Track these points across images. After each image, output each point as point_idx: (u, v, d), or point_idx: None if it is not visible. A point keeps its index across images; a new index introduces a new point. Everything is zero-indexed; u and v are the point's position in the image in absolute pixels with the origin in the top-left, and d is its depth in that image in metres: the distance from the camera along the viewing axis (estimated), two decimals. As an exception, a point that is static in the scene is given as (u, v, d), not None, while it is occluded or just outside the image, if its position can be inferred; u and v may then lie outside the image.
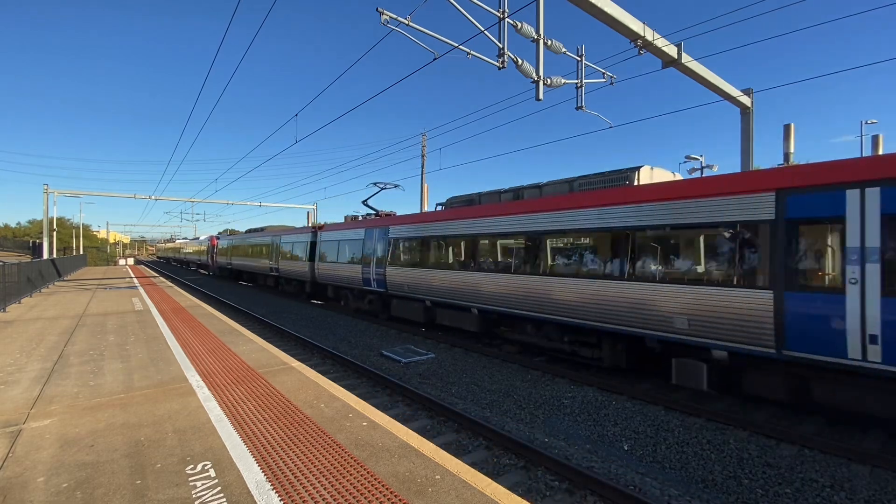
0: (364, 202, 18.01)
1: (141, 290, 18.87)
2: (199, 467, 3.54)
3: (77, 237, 54.26)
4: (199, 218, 54.42)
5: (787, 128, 12.86)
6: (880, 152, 16.30)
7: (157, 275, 32.87)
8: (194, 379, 5.94)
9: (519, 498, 3.18)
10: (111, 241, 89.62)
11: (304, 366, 6.66)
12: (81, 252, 50.95)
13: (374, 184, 17.77)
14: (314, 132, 14.65)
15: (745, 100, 13.28)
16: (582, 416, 7.01)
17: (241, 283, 32.85)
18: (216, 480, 3.34)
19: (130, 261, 58.70)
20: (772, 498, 4.78)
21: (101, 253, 71.21)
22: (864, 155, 15.67)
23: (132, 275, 30.08)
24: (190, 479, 3.37)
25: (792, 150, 12.99)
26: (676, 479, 5.23)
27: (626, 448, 5.99)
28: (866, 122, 23.68)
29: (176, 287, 20.79)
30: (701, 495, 4.85)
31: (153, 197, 35.57)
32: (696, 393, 7.67)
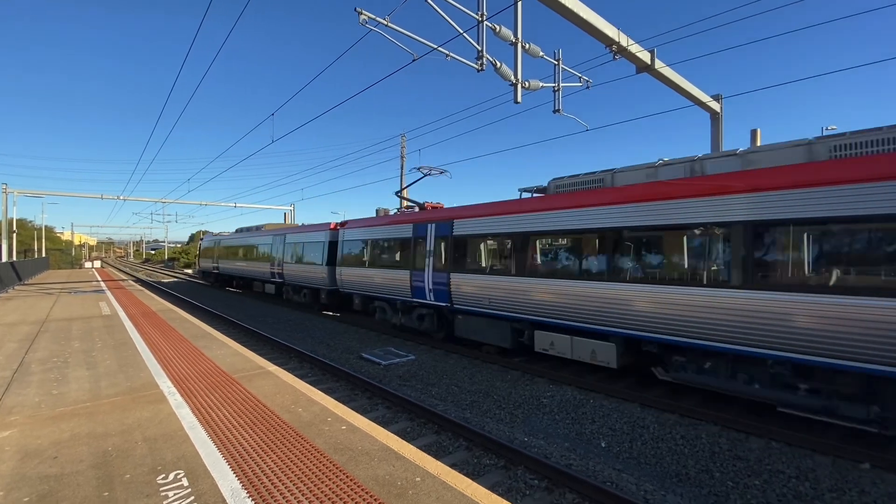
0: (399, 193, 15.07)
1: (108, 293, 18.16)
2: (171, 476, 3.43)
3: (39, 239, 51.89)
4: (171, 219, 52.84)
5: (753, 132, 13.37)
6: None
7: (126, 277, 31.73)
8: (166, 385, 5.76)
9: (499, 497, 3.20)
10: (76, 243, 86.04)
11: (281, 370, 6.54)
12: (44, 255, 48.73)
13: (419, 169, 14.06)
14: (291, 132, 14.45)
15: (715, 105, 13.75)
16: (561, 414, 7.11)
17: (227, 289, 31.84)
18: (189, 490, 3.24)
19: (97, 264, 56.47)
20: (742, 490, 4.94)
21: (65, 255, 68.21)
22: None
23: (99, 278, 28.93)
24: (161, 488, 3.26)
25: (758, 154, 13.50)
26: (652, 474, 5.35)
27: (603, 445, 6.11)
28: (826, 128, 24.80)
29: (146, 290, 20.12)
30: (675, 489, 4.98)
31: (121, 197, 34.34)
32: (670, 389, 7.87)
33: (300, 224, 23.71)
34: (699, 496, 4.87)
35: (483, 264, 10.52)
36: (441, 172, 14.15)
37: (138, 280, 34.23)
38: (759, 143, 13.03)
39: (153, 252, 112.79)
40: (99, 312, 12.48)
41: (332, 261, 16.27)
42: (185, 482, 3.35)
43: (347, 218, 21.43)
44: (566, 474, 4.92)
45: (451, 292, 10.75)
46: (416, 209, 13.66)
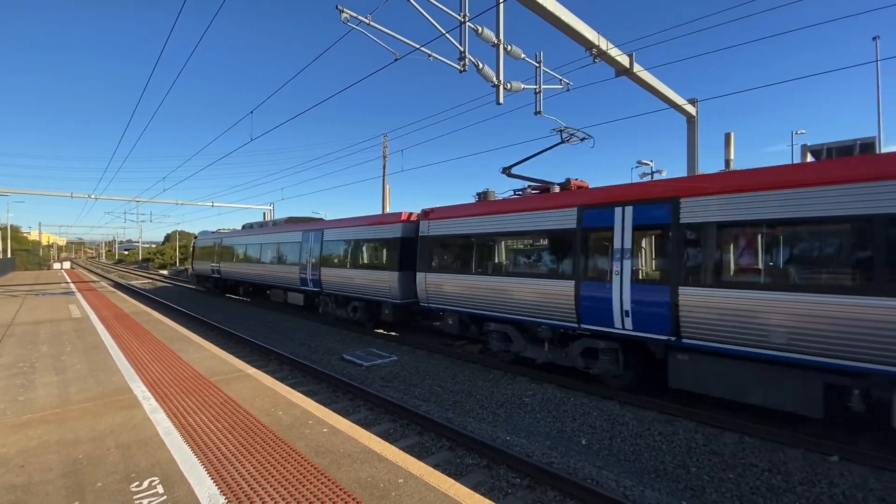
0: (508, 170, 10.57)
1: (79, 295, 17.54)
2: (146, 483, 3.33)
3: (4, 239, 49.78)
4: (145, 218, 51.28)
5: (727, 136, 13.80)
6: (808, 160, 17.76)
7: (97, 279, 30.68)
8: (140, 390, 5.59)
9: (481, 497, 3.21)
10: (44, 243, 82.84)
11: (260, 372, 6.42)
12: (9, 255, 46.78)
13: (559, 132, 10.02)
14: (271, 130, 14.15)
15: (691, 108, 14.10)
16: (542, 412, 7.18)
17: (194, 289, 30.98)
18: (164, 497, 3.15)
19: (67, 265, 54.44)
20: (717, 483, 5.08)
21: (32, 256, 65.58)
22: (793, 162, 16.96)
23: (68, 279, 27.91)
24: (135, 496, 3.16)
25: (732, 157, 13.95)
26: (631, 470, 5.46)
27: (583, 443, 6.19)
28: (796, 133, 25.76)
29: (119, 292, 19.51)
30: (653, 484, 5.09)
31: (93, 196, 33.11)
32: (647, 386, 8.03)
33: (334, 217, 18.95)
34: (676, 491, 4.98)
35: (764, 273, 6.41)
36: (583, 139, 10.31)
37: (111, 282, 33.16)
38: (732, 147, 13.44)
39: (126, 252, 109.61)
40: (68, 315, 12.03)
41: (405, 264, 12.08)
42: (160, 489, 3.26)
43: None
44: (548, 472, 4.98)
45: (681, 318, 6.70)
46: (554, 188, 9.63)
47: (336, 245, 15.16)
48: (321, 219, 18.81)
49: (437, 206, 11.57)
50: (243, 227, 24.19)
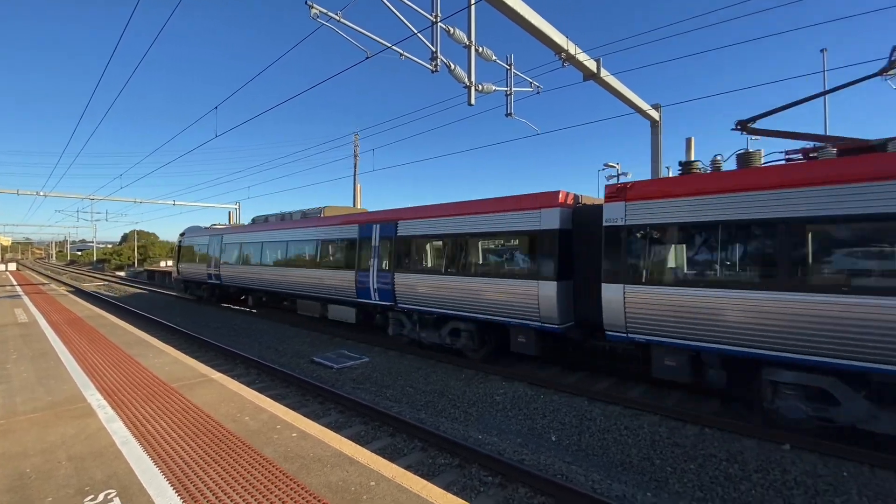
0: (743, 124, 7.96)
1: (25, 298, 16.46)
2: (101, 497, 3.16)
3: (-60, 239, 46.15)
4: (100, 217, 48.63)
5: (688, 141, 14.35)
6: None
7: (46, 281, 28.88)
8: (94, 398, 5.30)
9: (454, 497, 3.22)
10: (-14, 243, 77.31)
11: (225, 377, 6.22)
12: (-54, 256, 43.35)
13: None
14: (237, 126, 13.70)
15: (654, 114, 14.61)
16: (513, 410, 7.26)
17: (157, 290, 29.60)
18: (122, 510, 3.00)
19: (12, 266, 50.95)
20: (679, 474, 5.28)
21: (-28, 257, 61.07)
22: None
23: (14, 282, 26.15)
24: (89, 511, 2.99)
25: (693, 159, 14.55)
26: (599, 464, 5.60)
27: (553, 439, 6.31)
28: (751, 139, 27.10)
29: (70, 295, 18.42)
30: (620, 477, 5.24)
31: (42, 193, 31.13)
32: (618, 381, 8.26)
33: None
34: (642, 483, 5.15)
35: None
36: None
37: (62, 284, 31.28)
38: (693, 151, 14.00)
39: (79, 253, 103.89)
40: (14, 320, 11.27)
41: (564, 271, 8.34)
42: (117, 502, 3.10)
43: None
44: (519, 469, 5.04)
45: None
46: None
47: (423, 242, 10.96)
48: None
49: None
50: (254, 220, 19.75)
